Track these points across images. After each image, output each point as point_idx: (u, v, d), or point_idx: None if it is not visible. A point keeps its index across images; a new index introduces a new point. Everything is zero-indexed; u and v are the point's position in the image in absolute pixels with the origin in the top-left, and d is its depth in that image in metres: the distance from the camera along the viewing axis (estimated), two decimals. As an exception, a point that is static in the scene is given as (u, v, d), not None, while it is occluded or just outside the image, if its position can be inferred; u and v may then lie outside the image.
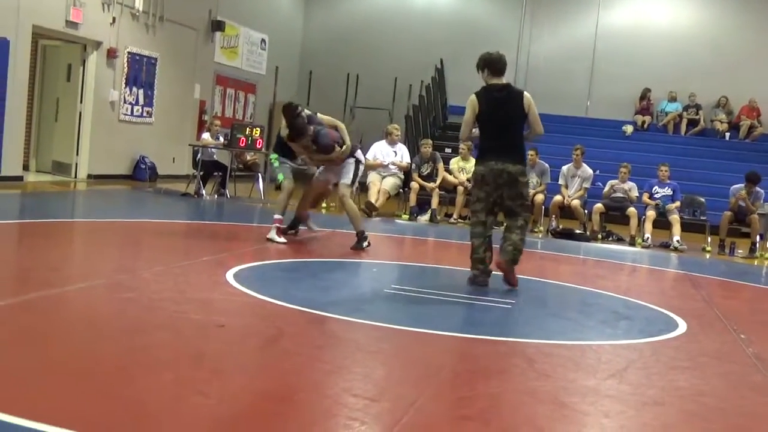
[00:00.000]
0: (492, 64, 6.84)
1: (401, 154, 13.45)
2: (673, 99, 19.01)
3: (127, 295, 5.24)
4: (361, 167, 8.82)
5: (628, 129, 18.78)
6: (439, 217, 13.04)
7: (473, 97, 6.84)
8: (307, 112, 8.47)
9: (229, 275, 6.13)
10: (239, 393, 3.51)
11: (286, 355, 4.23)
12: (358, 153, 8.77)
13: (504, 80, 6.91)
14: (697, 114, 18.76)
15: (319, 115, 8.59)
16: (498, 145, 6.79)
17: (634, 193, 12.76)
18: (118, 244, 8.03)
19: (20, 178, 12.37)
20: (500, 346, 4.90)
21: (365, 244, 8.47)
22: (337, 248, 8.83)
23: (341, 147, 8.44)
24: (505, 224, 6.97)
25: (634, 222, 12.28)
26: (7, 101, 11.79)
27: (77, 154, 13.95)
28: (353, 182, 8.68)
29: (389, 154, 13.37)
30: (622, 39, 19.42)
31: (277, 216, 8.54)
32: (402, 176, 13.42)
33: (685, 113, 18.81)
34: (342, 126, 8.59)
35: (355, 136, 19.76)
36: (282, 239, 8.46)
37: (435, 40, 20.19)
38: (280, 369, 3.96)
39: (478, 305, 6.17)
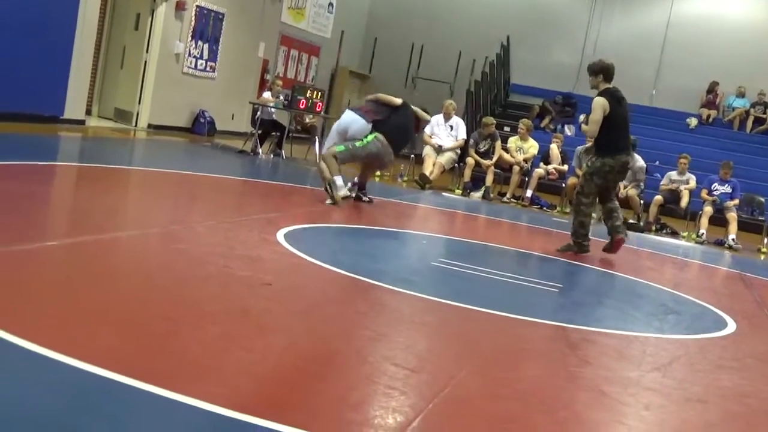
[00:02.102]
0: (609, 71, 7.83)
1: (456, 128, 13.36)
2: (741, 95, 18.55)
3: (178, 246, 5.31)
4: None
5: (693, 122, 18.42)
6: (492, 195, 12.98)
7: (602, 99, 7.65)
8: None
9: (280, 235, 6.16)
10: (282, 351, 3.54)
11: (330, 318, 4.25)
12: None
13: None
14: (764, 112, 18.27)
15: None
16: (625, 140, 7.88)
17: (693, 184, 12.57)
18: (172, 195, 8.13)
19: (82, 122, 12.55)
20: (544, 329, 4.87)
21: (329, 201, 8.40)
22: (388, 217, 8.84)
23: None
24: (605, 207, 8.07)
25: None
26: (75, 46, 11.94)
27: (139, 103, 14.10)
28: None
29: (444, 127, 13.30)
30: (694, 29, 18.93)
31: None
32: (458, 151, 13.35)
33: (752, 110, 18.37)
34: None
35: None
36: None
37: (503, 16, 19.96)
38: (323, 331, 3.98)
39: (525, 286, 6.14)
